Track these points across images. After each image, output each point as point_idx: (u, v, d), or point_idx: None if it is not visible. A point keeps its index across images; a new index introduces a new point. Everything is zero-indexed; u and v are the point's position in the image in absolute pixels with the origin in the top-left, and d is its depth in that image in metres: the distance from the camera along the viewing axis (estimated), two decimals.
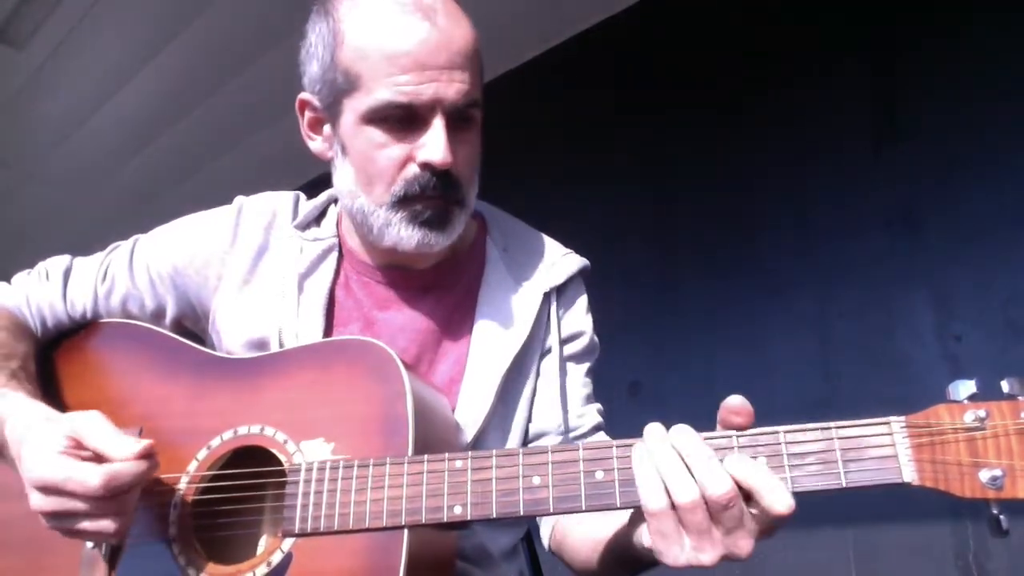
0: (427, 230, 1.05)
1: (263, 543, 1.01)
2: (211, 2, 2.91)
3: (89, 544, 1.00)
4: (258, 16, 2.92)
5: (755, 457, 0.78)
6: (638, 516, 0.83)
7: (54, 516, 0.91)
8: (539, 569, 1.42)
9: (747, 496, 0.75)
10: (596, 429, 1.17)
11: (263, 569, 0.91)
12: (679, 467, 0.76)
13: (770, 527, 0.76)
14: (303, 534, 0.90)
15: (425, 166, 1.02)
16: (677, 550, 0.76)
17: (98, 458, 0.91)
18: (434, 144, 1.00)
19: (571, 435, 1.15)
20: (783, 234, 2.46)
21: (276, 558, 0.91)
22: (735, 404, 0.80)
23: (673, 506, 0.75)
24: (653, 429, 0.79)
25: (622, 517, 0.91)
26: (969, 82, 2.14)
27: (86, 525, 0.90)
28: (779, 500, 0.73)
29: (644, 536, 0.80)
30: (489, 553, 1.11)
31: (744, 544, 0.75)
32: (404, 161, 1.03)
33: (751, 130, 2.59)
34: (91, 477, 0.88)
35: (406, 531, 0.87)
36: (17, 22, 3.05)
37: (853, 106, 2.36)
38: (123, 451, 0.90)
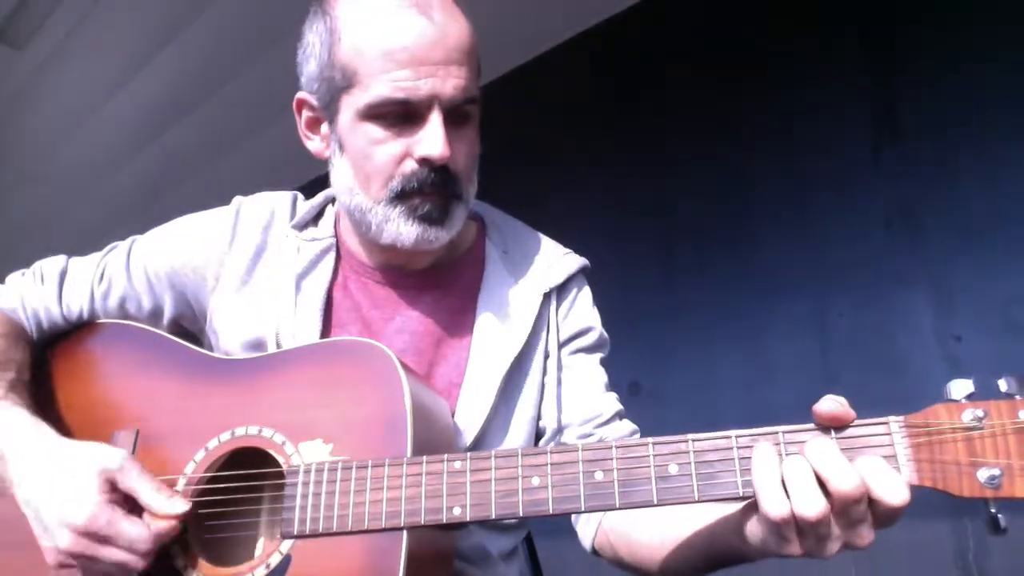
0: (427, 225, 1.05)
1: (262, 545, 1.01)
2: (211, 2, 2.91)
3: None
4: (258, 16, 2.92)
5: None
6: (748, 510, 0.81)
7: (81, 556, 0.92)
8: (539, 570, 1.42)
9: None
10: (618, 416, 1.17)
11: (262, 571, 0.91)
12: (811, 480, 0.74)
13: (888, 518, 0.74)
14: (302, 536, 0.90)
15: (423, 161, 1.02)
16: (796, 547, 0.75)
17: (132, 502, 0.93)
18: (432, 139, 1.00)
19: (593, 423, 1.14)
20: (783, 234, 2.45)
21: (275, 560, 0.91)
22: (825, 412, 0.78)
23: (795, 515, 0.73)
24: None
25: (708, 512, 0.90)
26: (969, 82, 2.14)
27: (110, 570, 0.92)
28: (895, 493, 0.72)
29: (753, 531, 0.79)
30: (488, 553, 1.11)
31: (867, 535, 0.74)
32: (402, 157, 1.03)
33: (751, 130, 2.59)
34: (142, 540, 0.91)
35: (405, 532, 0.87)
36: (17, 22, 3.05)
37: (853, 106, 2.35)
38: (168, 509, 0.93)
